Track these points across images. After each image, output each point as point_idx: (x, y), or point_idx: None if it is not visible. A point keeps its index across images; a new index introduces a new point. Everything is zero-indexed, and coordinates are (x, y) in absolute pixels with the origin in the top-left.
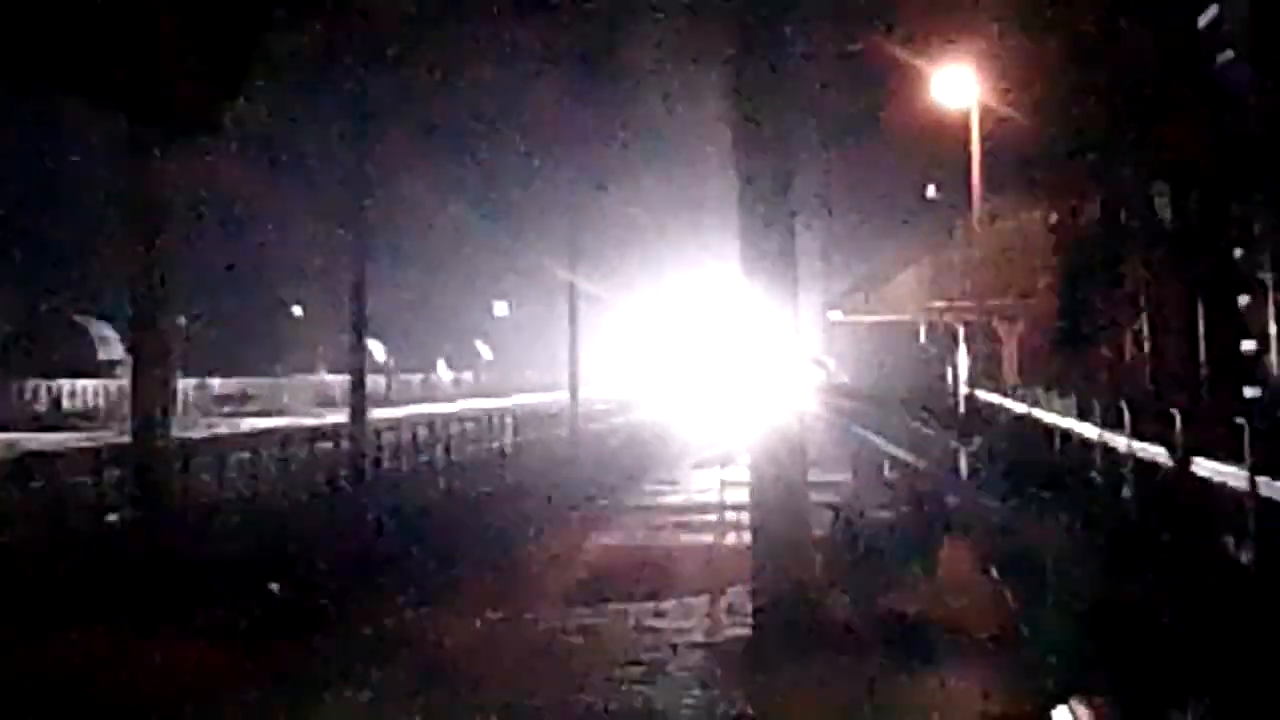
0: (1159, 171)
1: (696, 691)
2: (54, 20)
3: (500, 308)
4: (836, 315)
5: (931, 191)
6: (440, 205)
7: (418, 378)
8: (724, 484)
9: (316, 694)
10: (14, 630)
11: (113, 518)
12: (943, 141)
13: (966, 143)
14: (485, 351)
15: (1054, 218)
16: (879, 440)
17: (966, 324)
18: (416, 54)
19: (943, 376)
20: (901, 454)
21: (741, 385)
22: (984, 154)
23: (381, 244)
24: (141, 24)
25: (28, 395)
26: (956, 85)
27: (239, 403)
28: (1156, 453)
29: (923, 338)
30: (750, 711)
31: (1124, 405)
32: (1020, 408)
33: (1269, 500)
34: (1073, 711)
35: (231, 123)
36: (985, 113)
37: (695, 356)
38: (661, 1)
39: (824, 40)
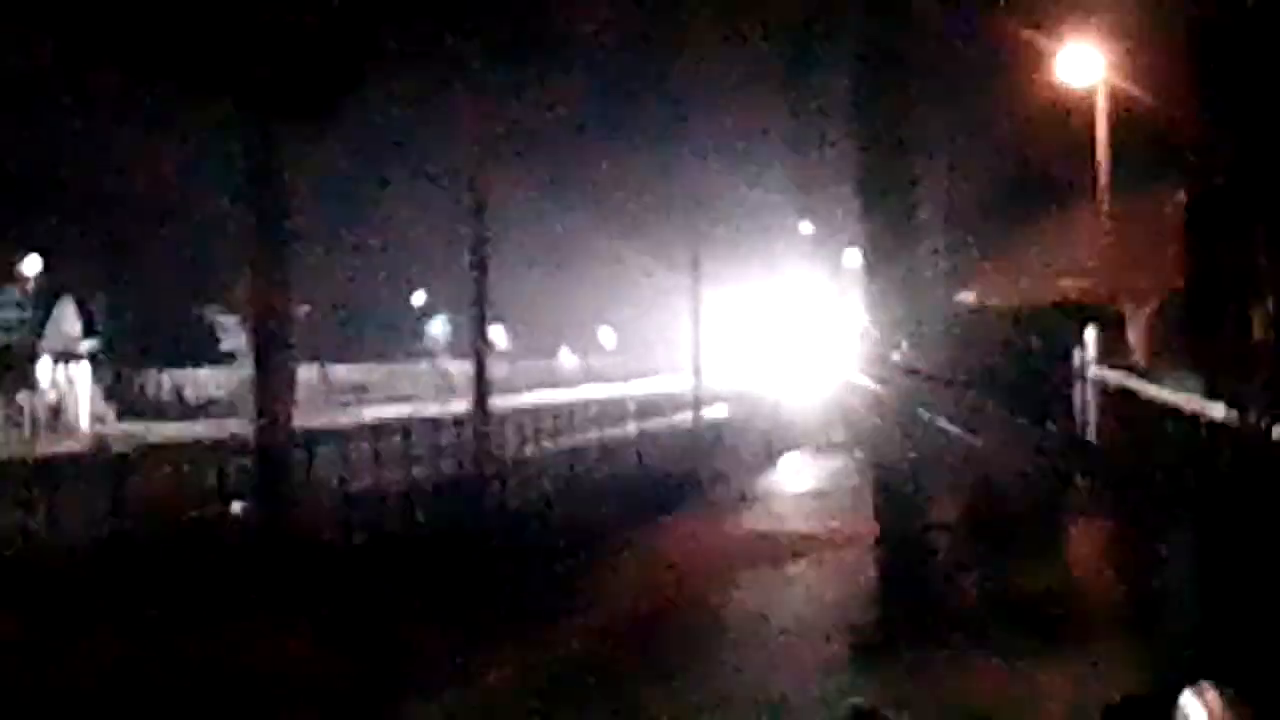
0: None
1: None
2: (174, 13)
3: (618, 296)
4: (967, 297)
5: (1056, 173)
6: (562, 194)
7: (541, 363)
8: (849, 469)
9: None
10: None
11: (236, 507)
12: (1066, 118)
13: (1091, 120)
14: (608, 338)
15: (1182, 196)
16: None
17: (1093, 304)
18: (538, 44)
19: (1067, 359)
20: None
21: (859, 372)
22: (1110, 131)
23: (504, 232)
24: (261, 16)
25: (150, 386)
26: (1081, 61)
27: (360, 391)
28: None
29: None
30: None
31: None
32: (1148, 388)
33: None
34: (1199, 695)
35: (354, 110)
36: (1110, 89)
37: (810, 343)
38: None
39: (940, 20)
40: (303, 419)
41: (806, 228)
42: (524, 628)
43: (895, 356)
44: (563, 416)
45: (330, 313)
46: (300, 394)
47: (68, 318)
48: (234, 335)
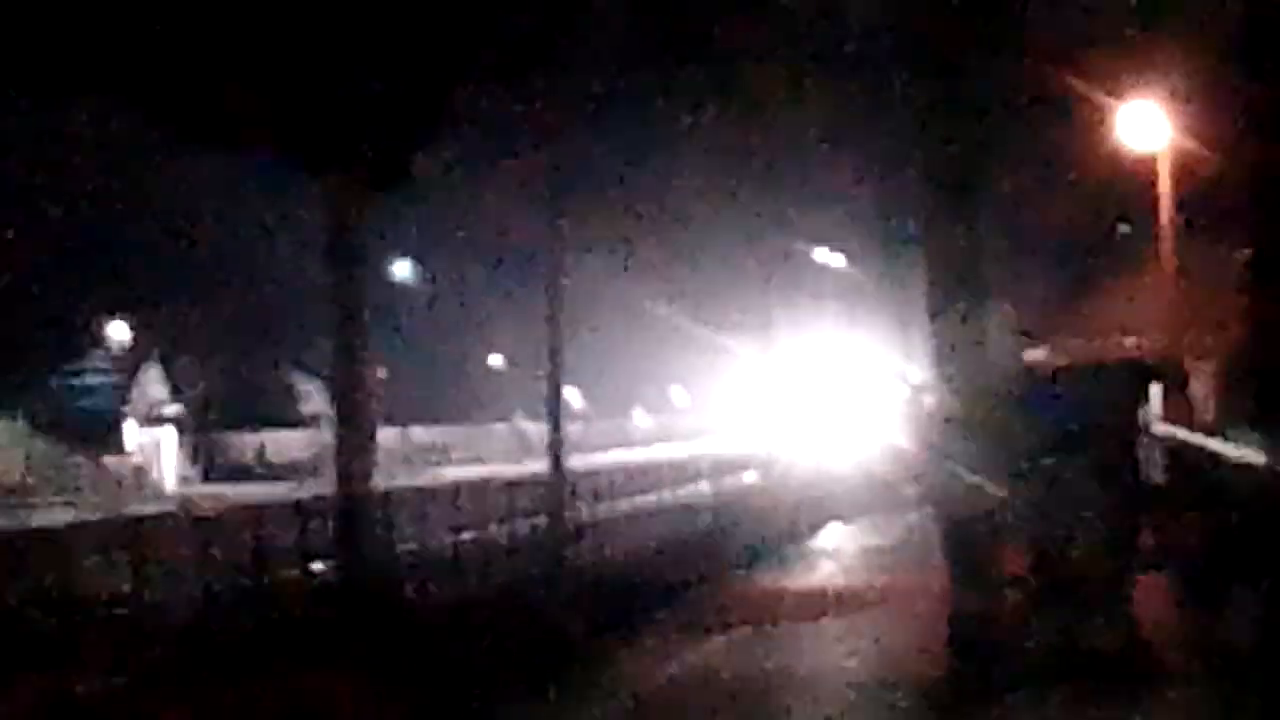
0: None
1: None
2: (246, 82)
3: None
4: (1037, 354)
5: (1124, 229)
6: (636, 254)
7: (615, 422)
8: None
9: None
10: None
11: (317, 567)
12: (1129, 177)
13: (1154, 179)
14: (681, 397)
15: (1246, 254)
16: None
17: (1158, 361)
18: (609, 108)
19: (1132, 415)
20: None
21: (923, 434)
22: (1174, 189)
23: (579, 293)
24: (333, 83)
25: (234, 448)
26: (1146, 121)
27: (439, 452)
28: None
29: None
30: None
31: None
32: (1209, 444)
33: None
34: None
35: (431, 172)
36: (1174, 147)
37: (874, 402)
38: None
39: (1008, 82)
40: (383, 480)
41: (872, 287)
42: None
43: (958, 415)
44: (633, 477)
45: (409, 375)
46: (380, 456)
47: (153, 382)
48: (315, 398)
